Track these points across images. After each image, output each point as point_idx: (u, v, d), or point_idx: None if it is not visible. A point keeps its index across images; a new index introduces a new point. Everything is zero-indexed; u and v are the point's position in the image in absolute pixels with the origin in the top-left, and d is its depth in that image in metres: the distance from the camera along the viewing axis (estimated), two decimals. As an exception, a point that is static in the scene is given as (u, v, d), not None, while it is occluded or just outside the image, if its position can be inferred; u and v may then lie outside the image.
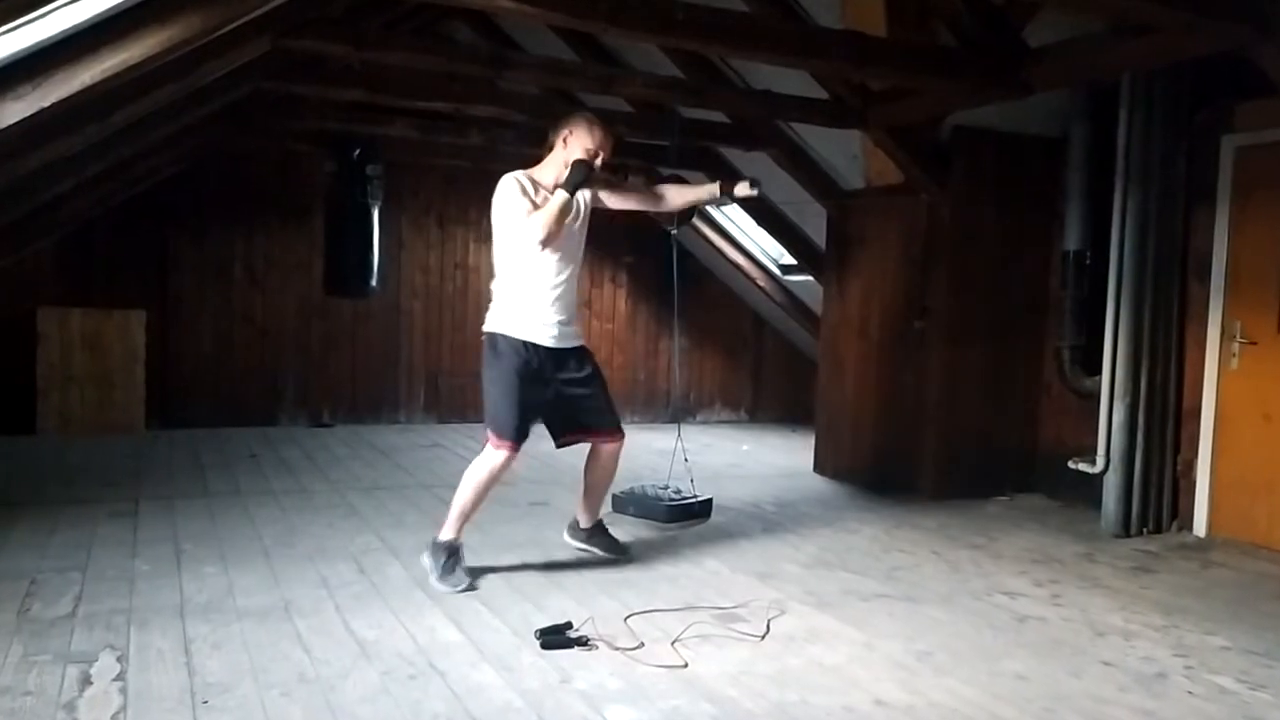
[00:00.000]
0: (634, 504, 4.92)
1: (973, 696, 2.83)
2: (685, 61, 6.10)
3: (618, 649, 3.07)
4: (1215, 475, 4.86)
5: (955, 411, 5.65)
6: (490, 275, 3.96)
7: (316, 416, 7.85)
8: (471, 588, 3.65)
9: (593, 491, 4.12)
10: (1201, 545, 4.75)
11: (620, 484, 5.06)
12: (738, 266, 8.24)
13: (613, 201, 4.06)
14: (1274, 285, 4.62)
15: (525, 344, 3.75)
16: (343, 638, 3.11)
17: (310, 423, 7.81)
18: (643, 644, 3.12)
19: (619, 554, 4.14)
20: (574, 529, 4.20)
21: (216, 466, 6.00)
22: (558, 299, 3.80)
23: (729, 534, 4.68)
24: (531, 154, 8.15)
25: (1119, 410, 4.89)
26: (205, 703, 2.59)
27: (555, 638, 3.10)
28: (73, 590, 3.49)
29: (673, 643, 3.14)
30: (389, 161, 7.40)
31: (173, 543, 4.17)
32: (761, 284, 8.26)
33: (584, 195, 3.84)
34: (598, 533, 4.17)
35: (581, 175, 3.68)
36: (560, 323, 3.80)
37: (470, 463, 3.84)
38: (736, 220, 8.01)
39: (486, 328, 3.84)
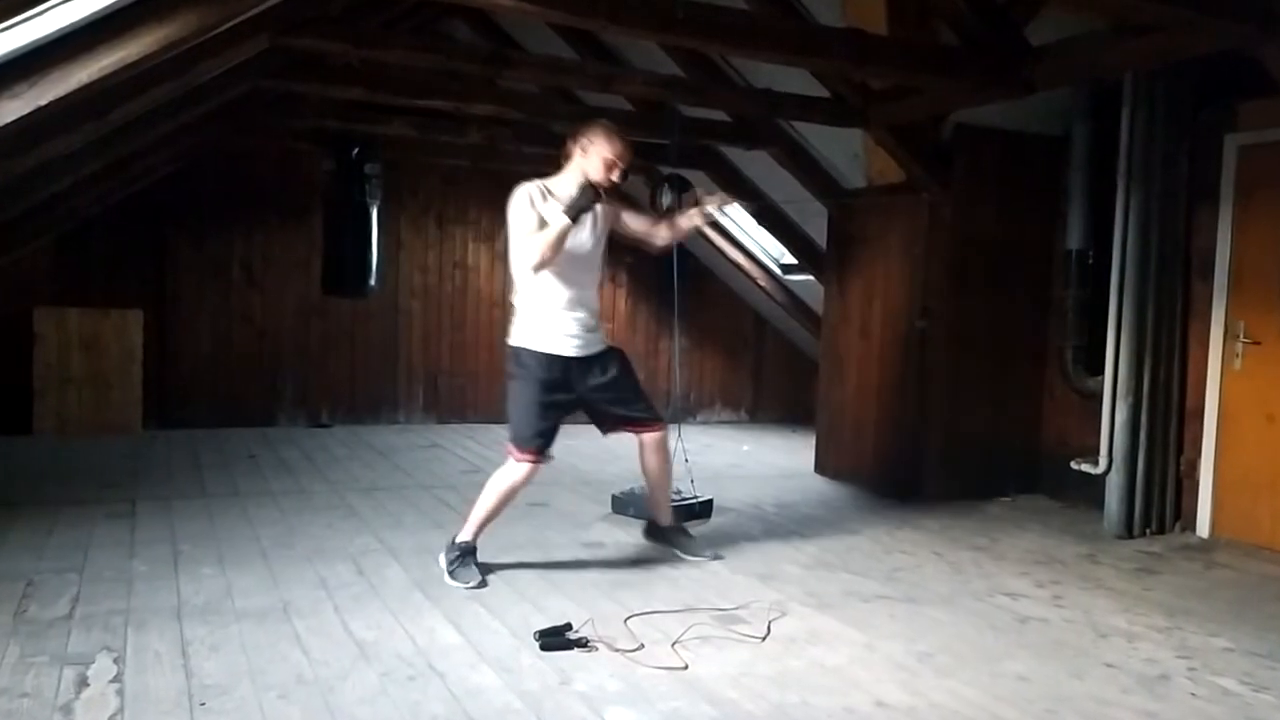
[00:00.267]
0: (634, 504, 4.90)
1: (974, 698, 2.81)
2: (686, 60, 6.08)
3: (618, 650, 3.05)
4: (1218, 476, 4.84)
5: (957, 411, 5.64)
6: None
7: (315, 417, 7.84)
8: (482, 584, 3.68)
9: (655, 488, 4.14)
10: (1204, 546, 4.73)
11: (620, 484, 5.06)
12: (738, 266, 8.22)
13: (631, 224, 4.05)
14: (1277, 284, 4.60)
15: (549, 356, 3.75)
16: (341, 639, 3.10)
17: (309, 423, 7.79)
18: (643, 645, 3.11)
19: (705, 555, 4.15)
20: (652, 530, 4.22)
21: (214, 467, 5.98)
22: (578, 309, 3.79)
23: (729, 535, 4.66)
24: (531, 153, 8.18)
25: (1122, 410, 4.88)
26: (203, 705, 2.58)
27: (555, 639, 3.09)
28: (70, 591, 3.47)
29: (673, 644, 3.13)
30: (388, 160, 7.38)
31: (170, 544, 4.16)
32: (762, 283, 8.24)
33: (599, 208, 3.79)
34: (680, 531, 4.19)
35: (587, 201, 3.62)
36: (582, 332, 3.79)
37: (492, 472, 3.87)
38: (737, 220, 7.99)
39: (511, 341, 3.83)
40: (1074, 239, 5.29)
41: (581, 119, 4.17)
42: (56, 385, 6.85)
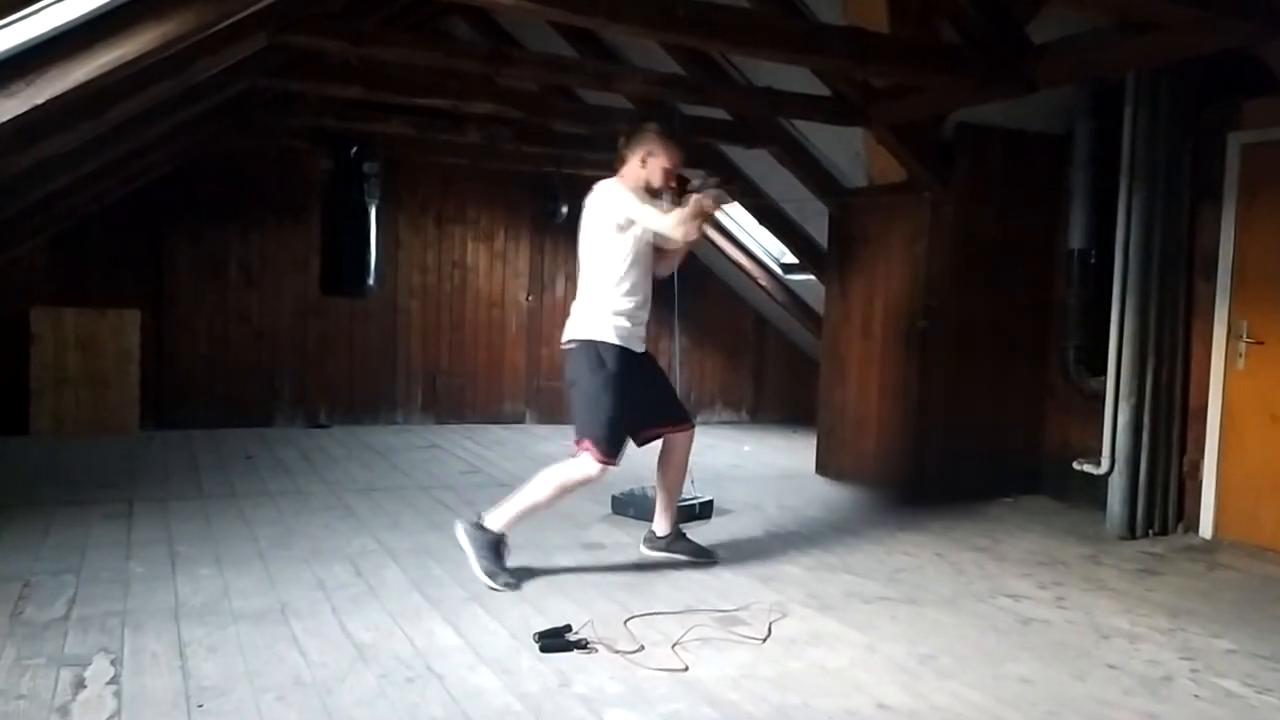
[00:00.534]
0: (634, 505, 4.88)
1: (976, 700, 2.80)
2: (686, 58, 6.06)
3: (617, 652, 3.04)
4: (1221, 476, 4.82)
5: (959, 412, 5.62)
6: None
7: (313, 417, 7.81)
8: (516, 588, 3.63)
9: (671, 493, 4.10)
10: (1207, 547, 4.72)
11: (620, 485, 5.04)
12: (739, 265, 8.20)
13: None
14: (1280, 284, 4.59)
15: (628, 353, 3.76)
16: (339, 640, 3.08)
17: (307, 423, 7.76)
18: (643, 647, 3.09)
19: (706, 557, 4.13)
20: (651, 539, 4.16)
21: (212, 467, 5.96)
22: (647, 306, 3.86)
23: (730, 536, 4.64)
24: (530, 152, 8.12)
25: (1124, 411, 4.86)
26: (200, 706, 2.57)
27: (554, 641, 3.07)
28: (67, 593, 3.45)
29: (673, 646, 3.11)
30: (386, 159, 7.38)
31: (168, 545, 4.14)
32: (763, 283, 8.22)
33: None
34: (678, 538, 4.15)
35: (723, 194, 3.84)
36: (645, 331, 3.87)
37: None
38: (738, 219, 7.97)
39: (584, 335, 3.77)
40: (1076, 238, 5.27)
41: (628, 122, 4.13)
42: (53, 385, 6.83)
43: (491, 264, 8.30)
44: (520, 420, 8.41)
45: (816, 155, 6.36)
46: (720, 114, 6.29)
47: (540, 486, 3.76)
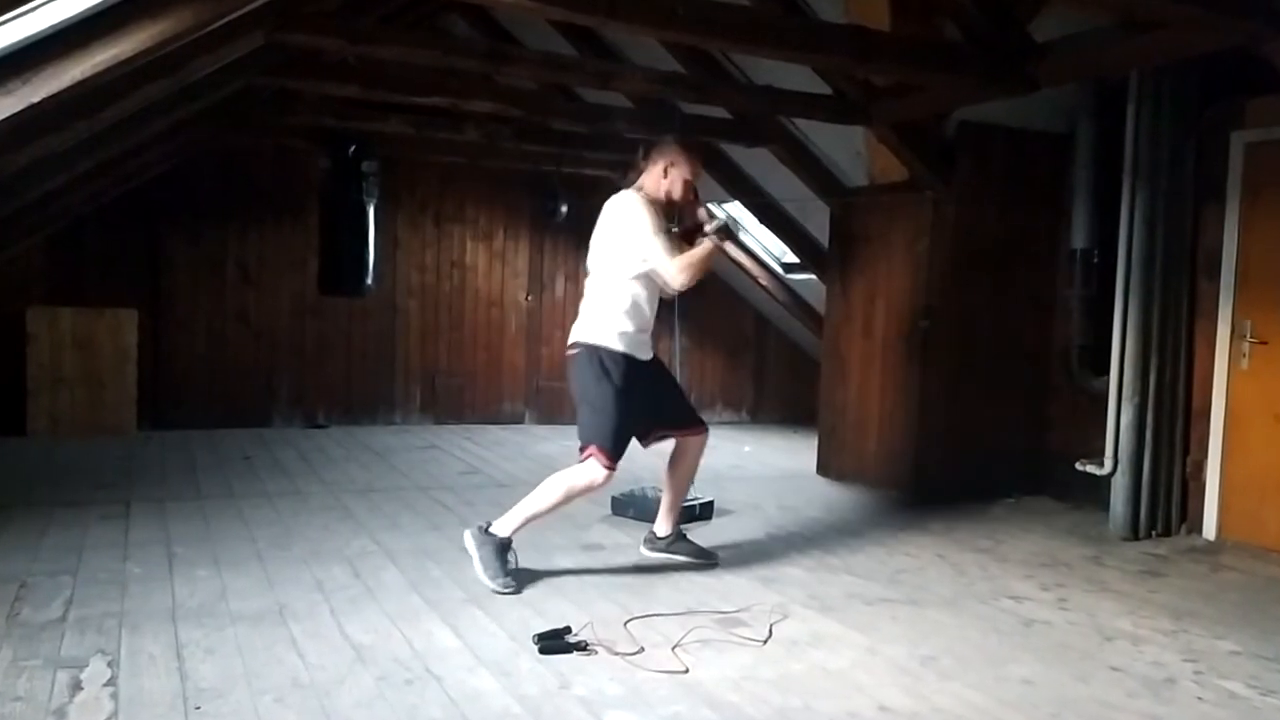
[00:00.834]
0: (633, 506, 4.87)
1: (978, 702, 2.79)
2: (686, 56, 6.04)
3: (617, 654, 3.02)
4: (1225, 477, 4.80)
5: (961, 412, 5.60)
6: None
7: (311, 417, 7.79)
8: (516, 591, 3.62)
9: (676, 495, 4.10)
10: (1211, 548, 4.70)
11: (619, 486, 5.01)
12: (739, 265, 8.17)
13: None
14: (1284, 283, 4.57)
15: (632, 360, 3.75)
16: (338, 642, 3.06)
17: (305, 424, 7.74)
18: (643, 649, 3.07)
19: (707, 559, 4.11)
20: (652, 540, 4.15)
21: (209, 468, 5.94)
22: (654, 316, 3.86)
23: (731, 537, 4.62)
24: (529, 151, 8.09)
25: (1127, 411, 4.84)
26: (198, 708, 2.55)
27: (554, 643, 3.05)
28: (63, 594, 3.44)
29: (673, 648, 3.10)
30: (385, 158, 7.36)
31: (165, 545, 4.12)
32: (764, 283, 8.20)
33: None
34: (679, 539, 4.14)
35: (733, 231, 3.90)
36: (651, 340, 3.88)
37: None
38: (738, 218, 7.95)
39: (589, 340, 3.76)
40: (1079, 238, 5.26)
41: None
42: (50, 386, 6.80)
43: (490, 263, 8.28)
44: (519, 420, 8.40)
45: (817, 154, 6.35)
46: (721, 112, 6.28)
47: (546, 491, 3.77)
